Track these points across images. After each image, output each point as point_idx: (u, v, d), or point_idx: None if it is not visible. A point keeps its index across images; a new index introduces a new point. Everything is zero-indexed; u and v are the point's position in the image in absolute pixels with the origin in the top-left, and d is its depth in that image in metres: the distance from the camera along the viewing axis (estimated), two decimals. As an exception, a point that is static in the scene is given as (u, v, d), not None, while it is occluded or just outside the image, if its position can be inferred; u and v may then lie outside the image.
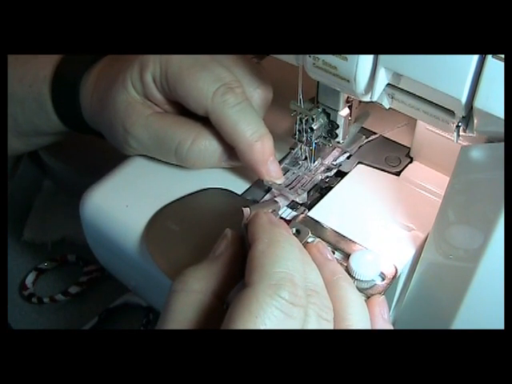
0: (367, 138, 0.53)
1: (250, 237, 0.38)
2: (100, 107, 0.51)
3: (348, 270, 0.42)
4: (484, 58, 0.32)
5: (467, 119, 0.36)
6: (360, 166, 0.52)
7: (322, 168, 0.51)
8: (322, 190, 0.50)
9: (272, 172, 0.47)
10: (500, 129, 0.34)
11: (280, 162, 0.51)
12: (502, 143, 0.34)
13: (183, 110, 0.49)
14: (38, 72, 0.54)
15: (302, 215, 0.47)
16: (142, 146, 0.50)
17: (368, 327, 0.38)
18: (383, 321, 0.40)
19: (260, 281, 0.34)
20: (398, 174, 0.51)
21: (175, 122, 0.49)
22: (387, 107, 0.40)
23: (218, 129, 0.47)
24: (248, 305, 0.33)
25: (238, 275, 0.38)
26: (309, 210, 0.48)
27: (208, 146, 0.48)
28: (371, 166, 0.52)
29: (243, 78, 0.48)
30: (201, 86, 0.46)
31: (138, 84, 0.48)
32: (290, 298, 0.34)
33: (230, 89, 0.46)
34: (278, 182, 0.48)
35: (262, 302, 0.33)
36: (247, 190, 0.50)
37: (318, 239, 0.44)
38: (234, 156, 0.48)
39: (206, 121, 0.48)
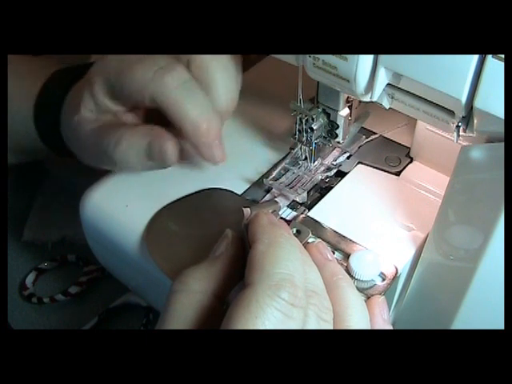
0: (367, 138, 0.53)
1: (250, 237, 0.38)
2: (64, 133, 0.52)
3: (348, 270, 0.42)
4: (484, 58, 0.32)
5: (467, 119, 0.36)
6: (360, 165, 0.52)
7: (322, 168, 0.51)
8: (321, 190, 0.50)
9: (216, 155, 0.47)
10: (500, 129, 0.34)
11: (280, 161, 0.51)
12: (502, 143, 0.34)
13: (145, 114, 0.49)
14: (21, 103, 0.55)
15: (302, 215, 0.47)
16: (91, 162, 0.50)
17: (368, 328, 0.38)
18: (383, 321, 0.40)
19: (260, 281, 0.34)
20: (398, 174, 0.51)
21: (105, 128, 0.48)
22: (387, 107, 0.40)
23: (164, 113, 0.46)
24: (248, 305, 0.33)
25: (238, 275, 0.38)
26: (309, 210, 0.48)
27: (129, 145, 0.47)
28: (371, 166, 0.52)
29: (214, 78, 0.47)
30: (140, 75, 0.45)
31: (90, 103, 0.48)
32: (290, 298, 0.34)
33: (169, 70, 0.44)
34: (221, 163, 0.47)
35: (261, 303, 0.33)
36: (247, 189, 0.50)
37: (319, 239, 0.44)
38: (161, 154, 0.46)
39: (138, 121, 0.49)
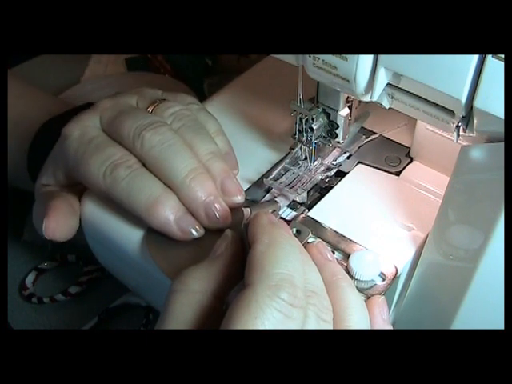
0: (367, 138, 0.53)
1: (250, 237, 0.38)
2: None
3: (348, 270, 0.42)
4: (484, 58, 0.32)
5: (467, 119, 0.36)
6: (360, 165, 0.52)
7: (322, 168, 0.51)
8: (321, 190, 0.50)
9: (191, 230, 0.45)
10: (500, 129, 0.34)
11: (280, 161, 0.51)
12: (502, 143, 0.34)
13: None
14: (15, 152, 0.55)
15: (302, 215, 0.47)
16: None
17: (368, 328, 0.38)
18: (383, 321, 0.40)
19: (259, 281, 0.34)
20: (397, 173, 0.51)
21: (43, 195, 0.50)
22: (387, 107, 0.40)
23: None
24: (247, 306, 0.33)
25: (238, 275, 0.38)
26: (309, 209, 0.48)
27: (35, 220, 0.49)
28: (371, 166, 0.52)
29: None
30: (92, 171, 0.45)
31: (50, 178, 0.50)
32: (290, 299, 0.34)
33: (118, 165, 0.45)
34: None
35: (261, 303, 0.33)
36: (247, 189, 0.50)
37: (319, 239, 0.44)
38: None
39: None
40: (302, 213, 0.48)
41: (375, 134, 0.54)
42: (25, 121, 0.57)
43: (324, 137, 0.49)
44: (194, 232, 0.44)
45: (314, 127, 0.48)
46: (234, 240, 0.40)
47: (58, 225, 0.47)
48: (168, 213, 0.44)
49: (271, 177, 0.50)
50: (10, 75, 0.52)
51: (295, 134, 0.49)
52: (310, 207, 0.48)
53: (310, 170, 0.50)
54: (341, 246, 0.45)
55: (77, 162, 0.46)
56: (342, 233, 0.46)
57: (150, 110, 0.48)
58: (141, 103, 0.49)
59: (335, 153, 0.52)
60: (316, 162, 0.51)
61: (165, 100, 0.49)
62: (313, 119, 0.47)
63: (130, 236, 0.47)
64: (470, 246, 0.40)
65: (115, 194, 0.45)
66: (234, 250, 0.39)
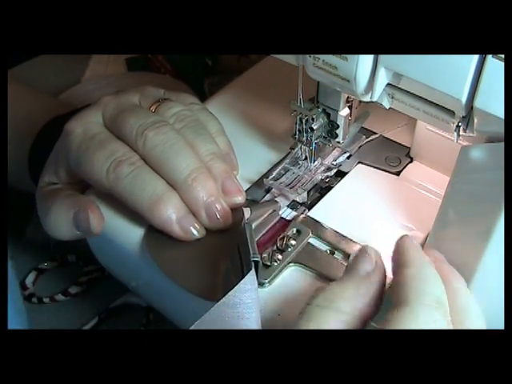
0: (367, 138, 0.53)
1: (398, 259, 0.38)
2: None
3: (348, 270, 0.42)
4: (484, 58, 0.32)
5: (467, 119, 0.36)
6: (360, 165, 0.52)
7: (322, 168, 0.51)
8: (322, 190, 0.50)
9: (192, 230, 0.45)
10: (500, 129, 0.34)
11: (280, 161, 0.51)
12: (502, 143, 0.34)
13: None
14: (15, 156, 0.55)
15: (302, 215, 0.47)
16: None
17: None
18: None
19: (416, 300, 0.34)
20: (397, 174, 0.51)
21: (45, 194, 0.50)
22: (387, 107, 0.40)
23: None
24: (407, 323, 0.33)
25: (380, 298, 0.37)
26: (309, 209, 0.48)
27: (56, 217, 0.48)
28: (371, 166, 0.52)
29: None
30: (95, 168, 0.45)
31: (52, 176, 0.50)
32: (442, 320, 0.34)
33: (121, 161, 0.44)
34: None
35: (420, 322, 0.33)
36: (247, 190, 0.50)
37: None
38: (86, 225, 0.47)
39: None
40: (302, 213, 0.48)
41: (375, 134, 0.54)
42: (25, 122, 0.57)
43: (324, 137, 0.49)
44: (195, 232, 0.44)
45: (314, 127, 0.48)
46: (380, 261, 0.39)
47: (102, 219, 0.47)
48: (170, 212, 0.44)
49: (271, 177, 0.50)
50: (10, 78, 0.52)
51: (295, 134, 0.49)
52: (310, 207, 0.48)
53: (310, 170, 0.50)
54: (341, 245, 0.45)
55: (79, 158, 0.46)
56: (342, 233, 0.46)
57: (152, 109, 0.48)
58: (143, 102, 0.49)
59: (335, 153, 0.52)
60: (316, 162, 0.51)
61: (167, 99, 0.49)
62: (313, 119, 0.47)
63: (130, 236, 0.47)
64: (469, 246, 0.40)
65: (118, 191, 0.45)
66: (381, 272, 0.38)
